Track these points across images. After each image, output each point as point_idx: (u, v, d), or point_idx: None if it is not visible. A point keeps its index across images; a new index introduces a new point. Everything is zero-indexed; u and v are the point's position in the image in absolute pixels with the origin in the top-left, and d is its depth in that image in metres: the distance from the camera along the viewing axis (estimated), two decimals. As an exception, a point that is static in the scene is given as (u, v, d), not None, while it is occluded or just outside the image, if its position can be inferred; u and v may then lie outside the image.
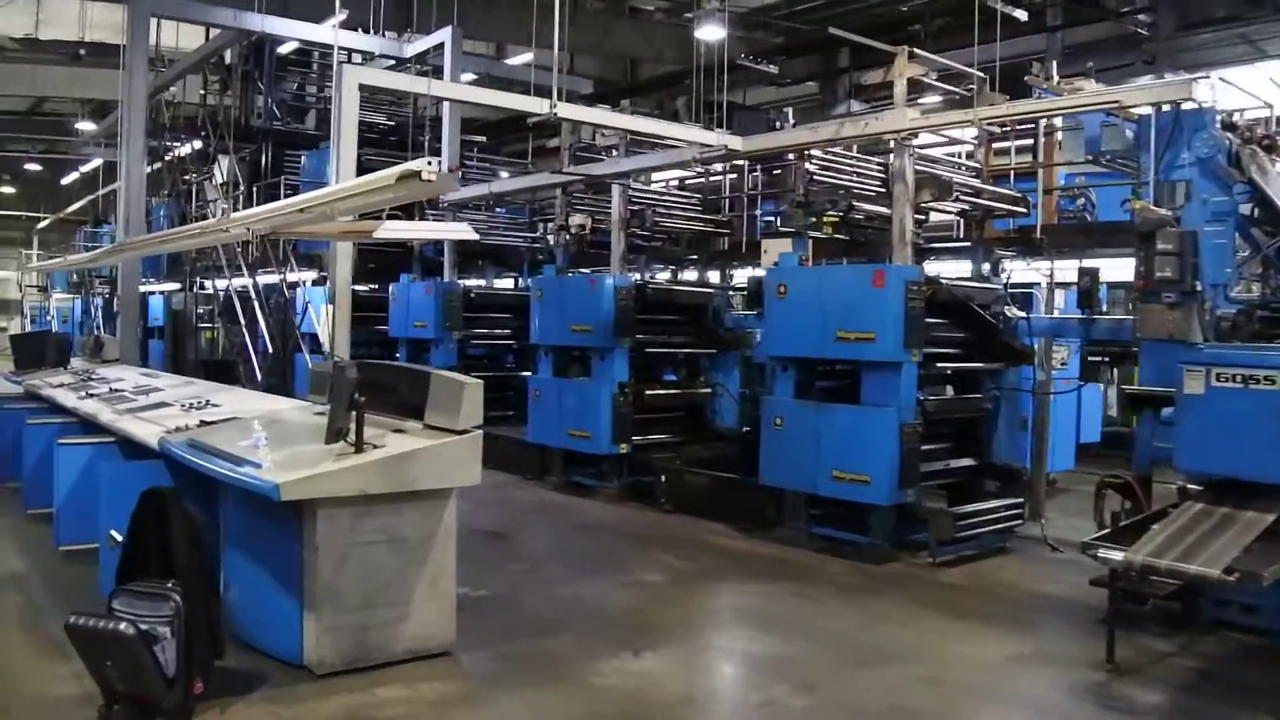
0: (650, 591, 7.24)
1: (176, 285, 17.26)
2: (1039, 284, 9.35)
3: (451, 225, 8.54)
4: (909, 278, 7.79)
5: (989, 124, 8.39)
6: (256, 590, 5.67)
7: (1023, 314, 8.39)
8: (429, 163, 4.34)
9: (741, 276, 11.38)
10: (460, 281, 12.81)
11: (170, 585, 4.79)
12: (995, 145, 9.49)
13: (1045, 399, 8.68)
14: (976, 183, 8.80)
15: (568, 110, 8.00)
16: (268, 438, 5.32)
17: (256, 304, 13.45)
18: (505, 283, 14.28)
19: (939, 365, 8.22)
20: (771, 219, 11.49)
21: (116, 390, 9.26)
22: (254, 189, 14.53)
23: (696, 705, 5.23)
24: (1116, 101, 6.63)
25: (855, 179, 8.82)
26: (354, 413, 5.26)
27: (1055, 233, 8.41)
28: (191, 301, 15.04)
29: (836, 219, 8.49)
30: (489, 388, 12.22)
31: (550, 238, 11.23)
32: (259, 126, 15.71)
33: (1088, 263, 8.09)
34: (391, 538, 5.50)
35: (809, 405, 8.30)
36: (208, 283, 16.13)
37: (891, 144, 8.03)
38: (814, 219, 8.57)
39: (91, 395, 9.17)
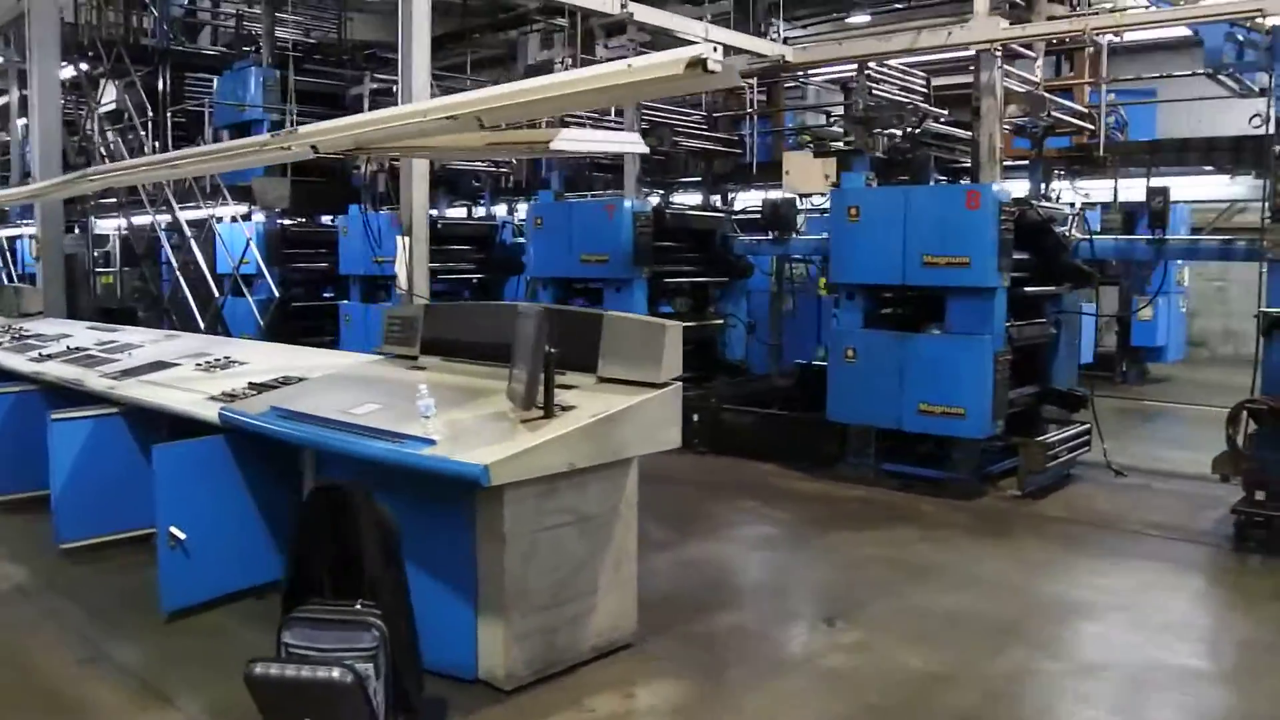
0: (775, 548, 6.34)
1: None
2: (1072, 204, 8.81)
3: (627, 136, 7.22)
4: (1002, 199, 7.04)
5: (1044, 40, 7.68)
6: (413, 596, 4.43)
7: (1085, 236, 7.83)
8: (714, 49, 3.18)
9: (743, 200, 10.42)
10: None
11: (359, 607, 3.56)
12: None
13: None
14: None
15: (643, 12, 6.74)
16: (432, 405, 4.06)
17: (193, 243, 11.44)
18: (456, 212, 12.77)
19: (1021, 290, 7.55)
20: (764, 138, 10.56)
21: (79, 349, 7.51)
22: (166, 116, 12.33)
23: (952, 681, 4.36)
24: (1257, 10, 6.00)
25: (904, 94, 7.99)
26: (543, 371, 4.07)
27: (1121, 150, 7.84)
28: (87, 244, 12.78)
29: (902, 136, 7.65)
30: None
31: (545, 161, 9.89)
32: (154, 47, 13.33)
33: (1157, 182, 7.57)
34: (579, 517, 4.36)
35: (891, 336, 7.48)
36: (100, 222, 13.82)
37: (977, 56, 7.18)
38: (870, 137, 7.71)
39: (48, 357, 7.39)
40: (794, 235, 9.35)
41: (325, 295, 13.29)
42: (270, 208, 11.77)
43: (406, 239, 5.99)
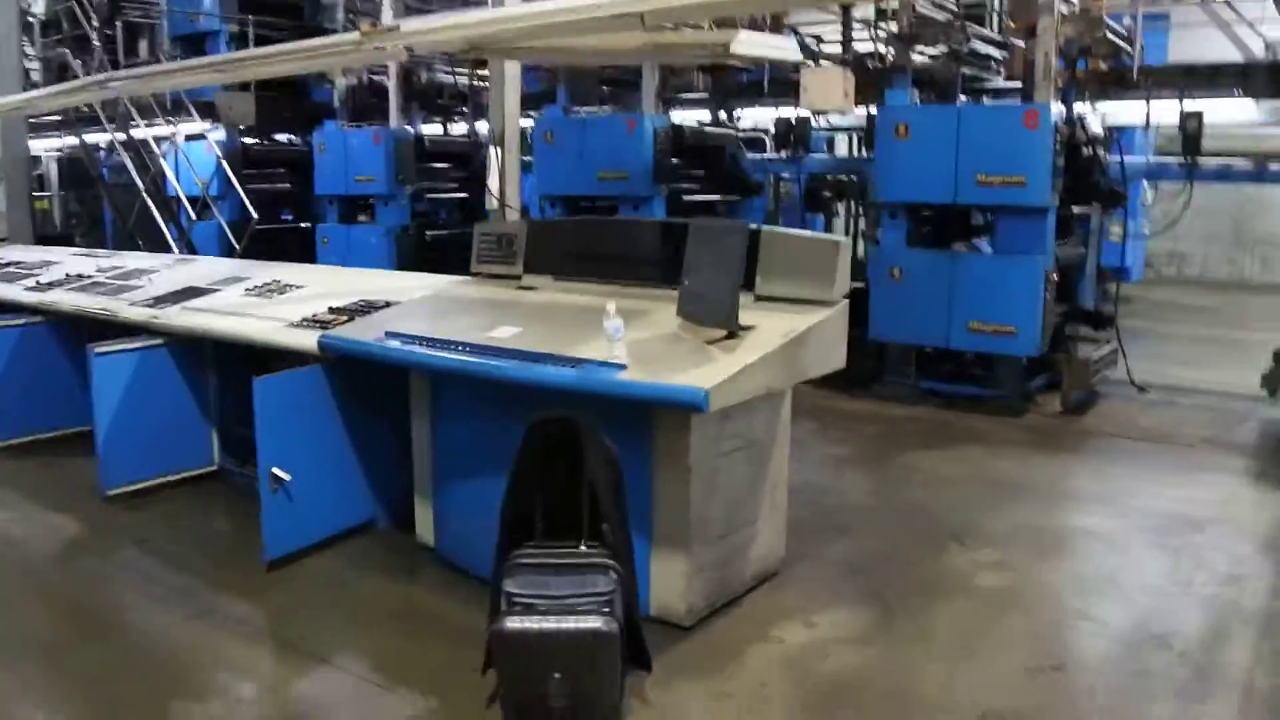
0: (859, 469, 6.21)
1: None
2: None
3: (788, 42, 6.61)
4: (1057, 118, 6.90)
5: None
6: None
7: (1116, 156, 7.78)
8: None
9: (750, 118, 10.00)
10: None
11: (584, 548, 3.21)
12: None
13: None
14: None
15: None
16: (622, 326, 3.67)
17: (163, 161, 10.35)
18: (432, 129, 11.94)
19: (1063, 210, 7.47)
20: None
21: (82, 276, 6.73)
22: (114, 26, 11.02)
23: (1112, 596, 4.31)
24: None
25: (939, 10, 7.72)
26: (733, 288, 3.72)
27: (1155, 73, 7.75)
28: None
29: (948, 54, 7.40)
30: (441, 245, 10.56)
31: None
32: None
33: (1190, 105, 7.54)
34: (747, 443, 4.08)
35: (941, 255, 7.33)
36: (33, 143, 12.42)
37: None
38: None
39: (50, 285, 6.61)
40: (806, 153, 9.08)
41: (283, 218, 12.40)
42: (235, 124, 10.80)
43: (498, 149, 5.44)
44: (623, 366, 3.62)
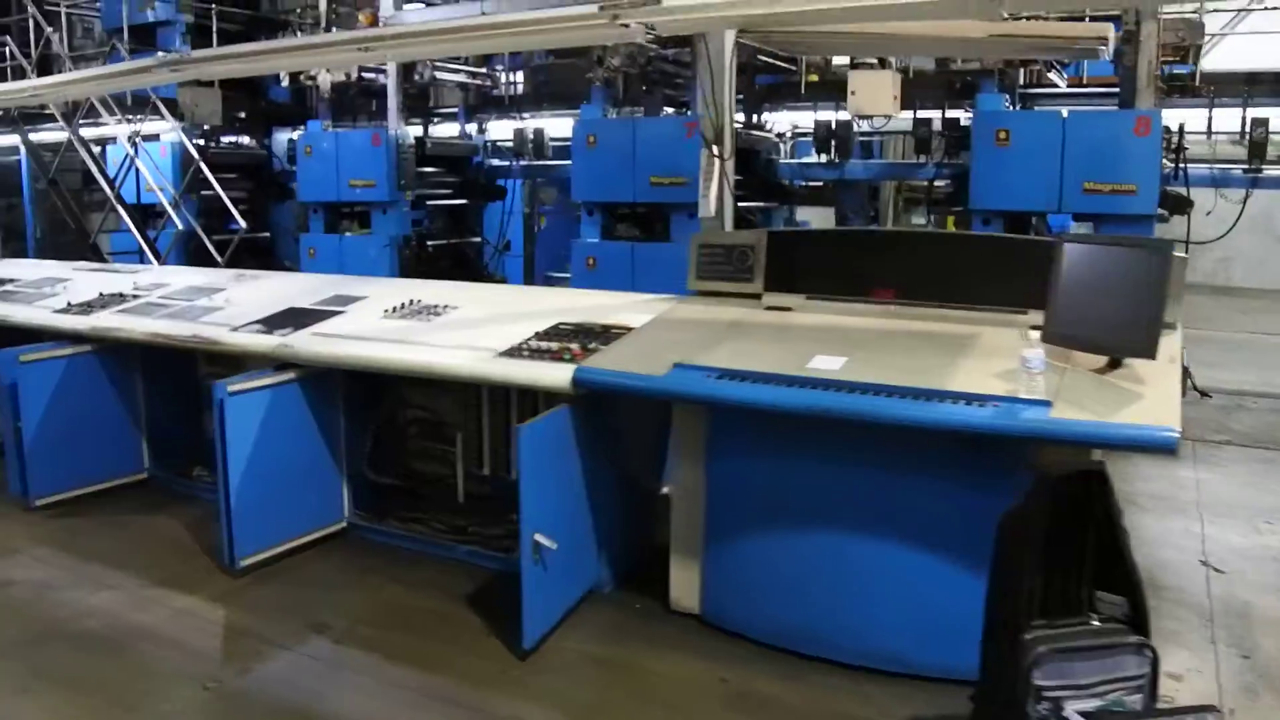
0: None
1: None
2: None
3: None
4: (1160, 125, 6.75)
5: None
6: (907, 595, 3.45)
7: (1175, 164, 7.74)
8: None
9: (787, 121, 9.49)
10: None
11: (1105, 624, 2.62)
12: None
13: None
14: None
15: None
16: (1043, 356, 3.09)
17: (138, 163, 8.78)
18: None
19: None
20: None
21: (121, 295, 5.55)
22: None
23: None
24: None
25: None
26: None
27: (1219, 80, 7.76)
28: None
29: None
30: (442, 257, 9.58)
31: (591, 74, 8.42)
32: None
33: (1255, 112, 7.58)
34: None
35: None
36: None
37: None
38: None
39: (86, 307, 5.40)
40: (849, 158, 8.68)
41: (230, 228, 10.99)
42: (201, 124, 9.44)
43: (715, 152, 4.71)
44: (1047, 404, 3.05)
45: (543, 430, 3.57)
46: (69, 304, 5.47)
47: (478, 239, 10.18)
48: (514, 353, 3.98)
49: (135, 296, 5.58)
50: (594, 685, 3.53)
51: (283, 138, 10.75)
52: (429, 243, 9.41)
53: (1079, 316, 3.40)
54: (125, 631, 3.87)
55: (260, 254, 10.58)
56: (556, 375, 3.72)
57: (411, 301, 4.81)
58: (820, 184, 9.73)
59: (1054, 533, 2.68)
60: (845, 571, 3.54)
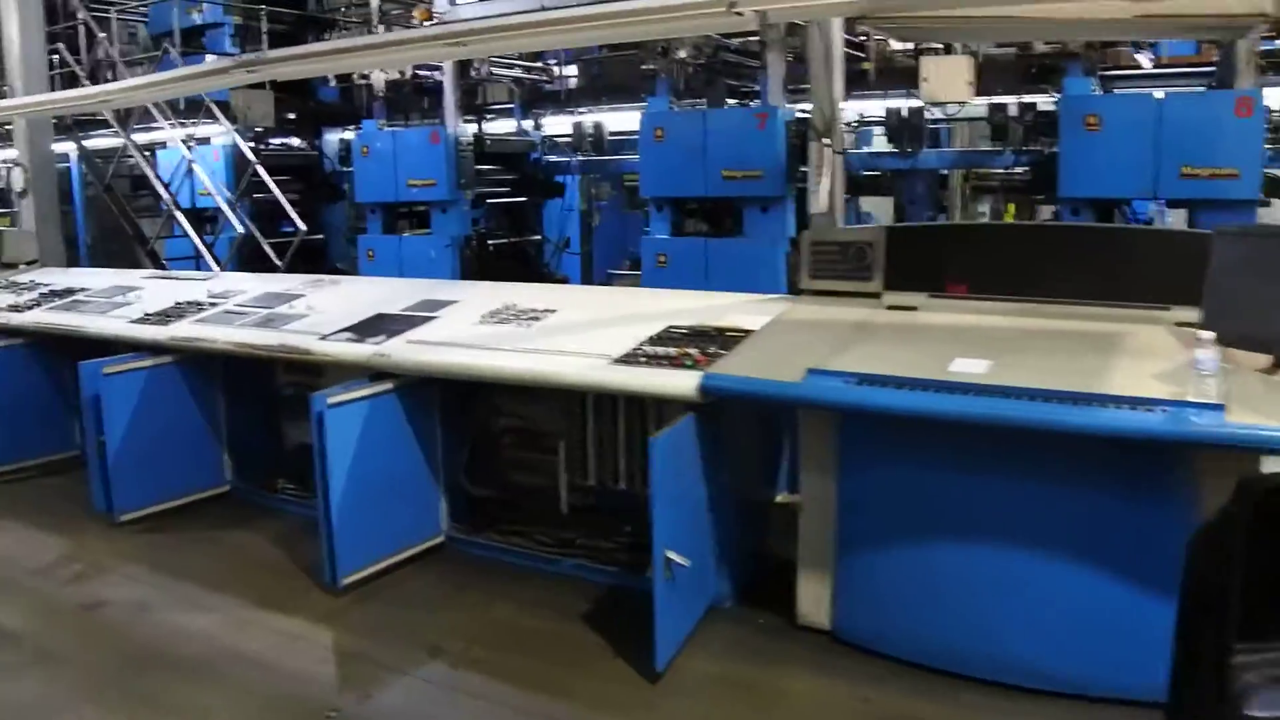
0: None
1: None
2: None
3: None
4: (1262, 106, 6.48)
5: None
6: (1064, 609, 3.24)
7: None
8: None
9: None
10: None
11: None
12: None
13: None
14: None
15: None
16: (1215, 359, 2.88)
17: (195, 167, 8.69)
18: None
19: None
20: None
21: (197, 303, 5.43)
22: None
23: None
24: None
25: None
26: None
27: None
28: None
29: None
30: (502, 256, 9.42)
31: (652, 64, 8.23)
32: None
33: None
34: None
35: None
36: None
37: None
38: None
39: (164, 316, 5.28)
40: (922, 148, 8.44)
41: (284, 230, 10.90)
42: (253, 126, 9.34)
43: (826, 144, 4.49)
44: (1220, 408, 2.83)
45: (673, 441, 3.38)
46: (146, 313, 5.36)
47: (537, 237, 10.03)
48: (630, 359, 3.79)
49: (212, 304, 5.45)
50: (730, 708, 3.35)
51: (333, 138, 10.66)
52: (490, 242, 9.25)
53: (1240, 313, 3.17)
54: (228, 656, 3.73)
55: (313, 256, 10.49)
56: (681, 383, 3.53)
57: (507, 306, 4.64)
58: (878, 173, 9.50)
59: (1258, 547, 2.46)
60: (996, 585, 3.33)
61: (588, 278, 10.94)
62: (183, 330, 5.08)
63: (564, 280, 9.73)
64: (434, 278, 8.42)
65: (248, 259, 9.47)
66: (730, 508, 3.87)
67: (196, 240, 8.67)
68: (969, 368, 3.28)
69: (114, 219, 9.95)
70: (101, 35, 9.22)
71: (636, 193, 13.25)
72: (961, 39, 5.68)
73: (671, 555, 3.36)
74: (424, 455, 4.47)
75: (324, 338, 4.59)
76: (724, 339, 3.88)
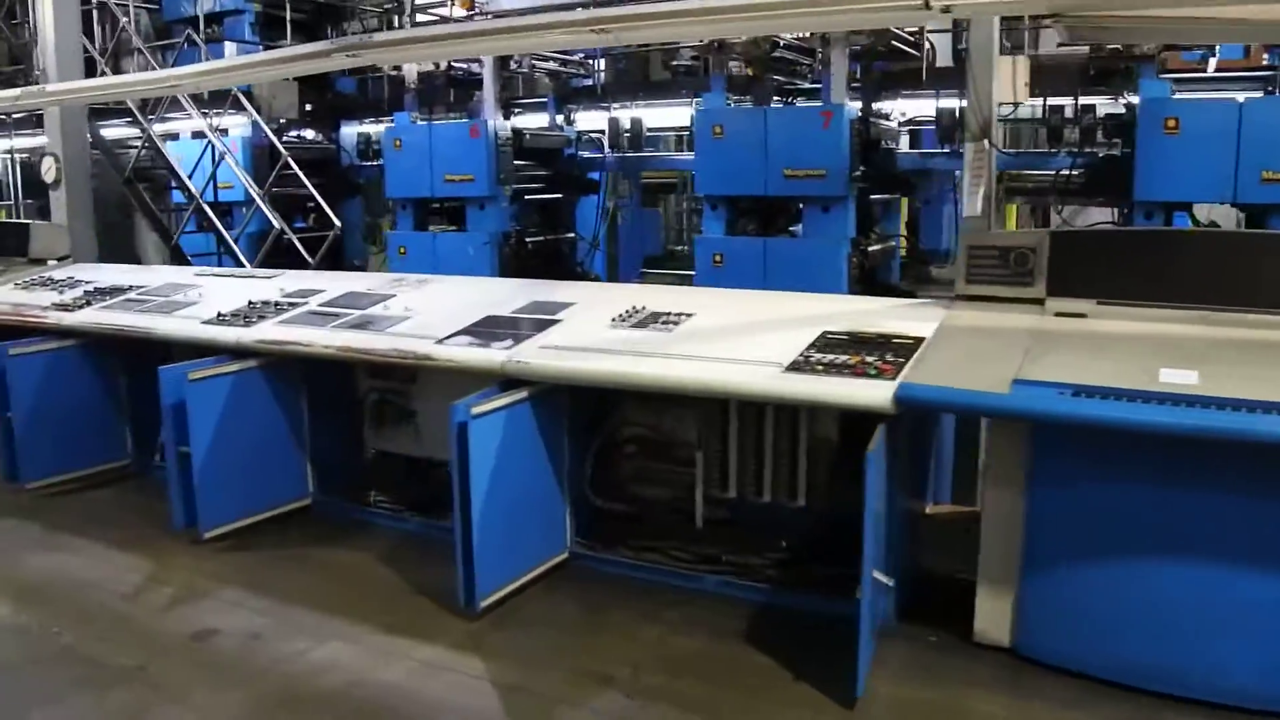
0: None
1: None
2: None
3: None
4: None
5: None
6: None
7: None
8: None
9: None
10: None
11: None
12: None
13: None
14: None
15: None
16: None
17: (229, 159, 8.26)
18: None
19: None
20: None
21: (270, 304, 5.15)
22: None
23: None
24: None
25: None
26: None
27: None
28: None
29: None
30: (537, 254, 9.15)
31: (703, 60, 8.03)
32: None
33: None
34: None
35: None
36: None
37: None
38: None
39: (236, 318, 5.00)
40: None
41: (298, 226, 10.53)
42: (277, 117, 8.98)
43: (982, 145, 4.33)
44: None
45: (880, 455, 3.21)
46: (220, 314, 5.05)
47: (571, 235, 9.79)
48: (803, 367, 3.61)
49: (290, 305, 5.16)
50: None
51: (351, 131, 10.31)
52: (528, 239, 9.00)
53: None
54: (377, 691, 3.47)
55: (328, 253, 10.15)
56: (873, 393, 3.35)
57: (636, 308, 4.41)
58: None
59: None
60: (1204, 603, 3.20)
61: (613, 276, 10.73)
62: (270, 333, 4.79)
63: (596, 279, 9.50)
64: (470, 275, 8.22)
65: (268, 255, 9.13)
66: (897, 522, 3.71)
67: (226, 235, 8.30)
68: (1179, 378, 3.16)
69: (116, 213, 9.52)
70: (125, 20, 8.78)
71: (654, 190, 13.13)
72: (1139, 39, 5.57)
73: (879, 576, 3.20)
74: (553, 467, 4.25)
75: (440, 341, 4.35)
76: (892, 346, 3.71)
